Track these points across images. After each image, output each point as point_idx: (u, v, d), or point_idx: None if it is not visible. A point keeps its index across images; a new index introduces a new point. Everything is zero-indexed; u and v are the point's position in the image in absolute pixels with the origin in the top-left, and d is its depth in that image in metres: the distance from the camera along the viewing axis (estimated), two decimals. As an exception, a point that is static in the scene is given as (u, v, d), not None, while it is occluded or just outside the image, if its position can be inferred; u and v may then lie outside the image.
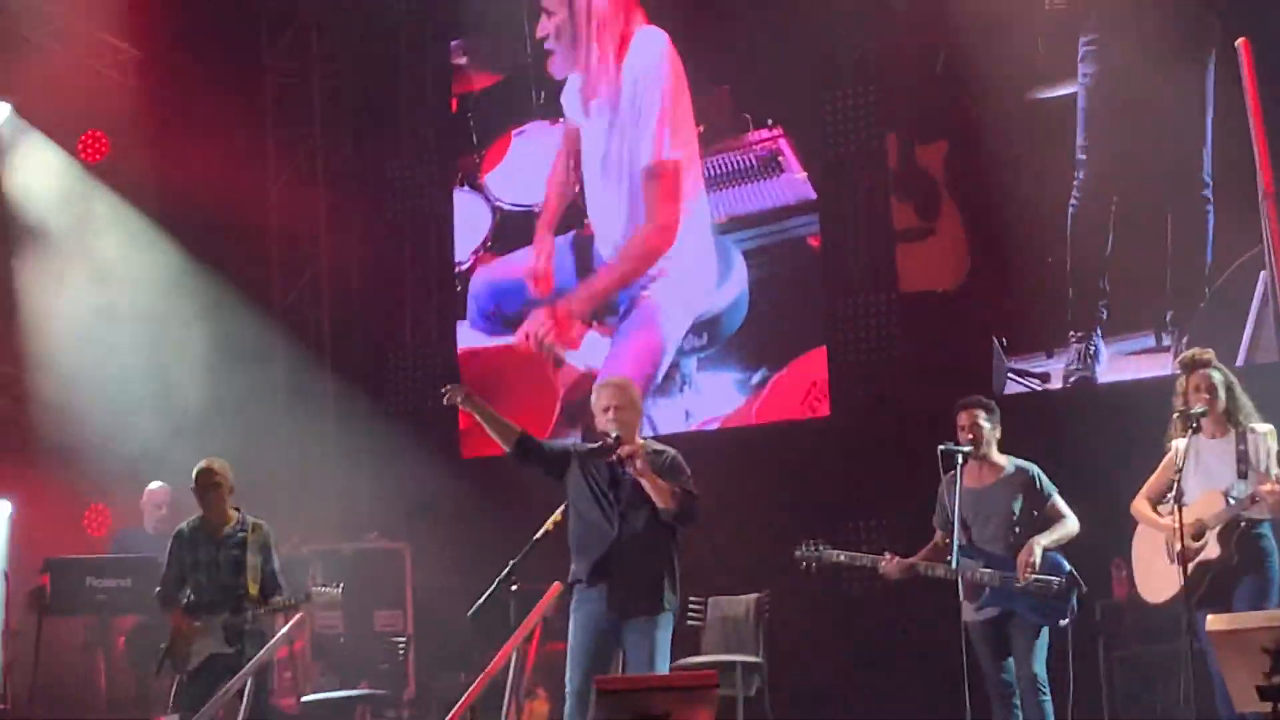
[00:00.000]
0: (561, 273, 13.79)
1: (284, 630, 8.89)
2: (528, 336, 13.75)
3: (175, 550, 9.77)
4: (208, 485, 9.67)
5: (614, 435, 8.35)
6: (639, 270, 13.37)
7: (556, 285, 13.77)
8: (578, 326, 13.60)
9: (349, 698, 11.62)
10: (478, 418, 8.49)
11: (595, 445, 8.46)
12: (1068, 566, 8.66)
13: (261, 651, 8.68)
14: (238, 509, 9.77)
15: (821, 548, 9.09)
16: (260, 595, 9.52)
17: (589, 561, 8.37)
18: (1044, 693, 8.60)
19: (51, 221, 13.68)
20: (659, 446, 8.63)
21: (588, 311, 13.57)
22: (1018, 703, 8.63)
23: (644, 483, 8.27)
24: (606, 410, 8.47)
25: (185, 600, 9.66)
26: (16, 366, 13.80)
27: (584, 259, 13.71)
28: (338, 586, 9.59)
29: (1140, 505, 8.50)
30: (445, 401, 8.43)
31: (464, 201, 14.38)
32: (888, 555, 8.96)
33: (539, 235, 13.90)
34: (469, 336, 14.19)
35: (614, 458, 8.33)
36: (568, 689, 8.48)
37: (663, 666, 8.34)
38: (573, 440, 8.68)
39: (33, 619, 12.18)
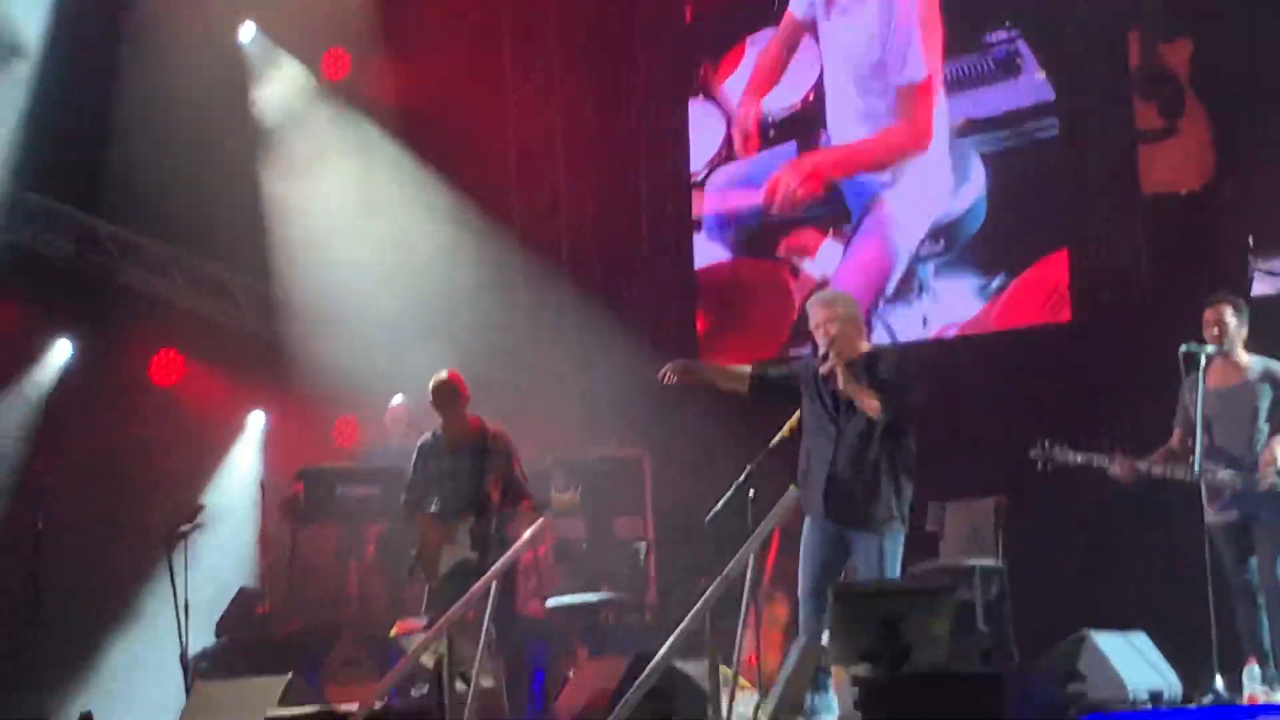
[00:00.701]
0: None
1: (527, 535, 9.05)
2: (774, 191, 13.71)
3: (420, 460, 10.01)
4: (446, 396, 9.87)
5: (821, 353, 8.44)
6: (887, 161, 13.21)
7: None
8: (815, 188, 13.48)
9: (591, 602, 11.80)
10: (705, 380, 8.66)
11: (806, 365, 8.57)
12: (1315, 467, 8.50)
13: (505, 556, 8.86)
14: (479, 418, 9.96)
15: (1057, 448, 9.02)
16: (503, 502, 9.71)
17: (815, 472, 8.45)
18: (1290, 594, 8.48)
19: (298, 139, 13.98)
20: (877, 348, 8.72)
21: (834, 176, 13.43)
22: (1261, 602, 8.50)
23: (850, 394, 8.34)
24: (816, 328, 8.57)
25: (432, 509, 9.90)
26: (266, 281, 14.18)
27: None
28: (576, 490, 9.74)
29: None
30: (664, 382, 8.58)
31: (699, 111, 14.39)
32: (1119, 456, 8.87)
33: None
34: (706, 249, 14.24)
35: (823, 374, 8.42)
36: (800, 593, 8.57)
37: (892, 573, 8.37)
38: (803, 359, 8.76)
39: (287, 527, 12.60)
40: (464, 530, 9.68)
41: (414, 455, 10.10)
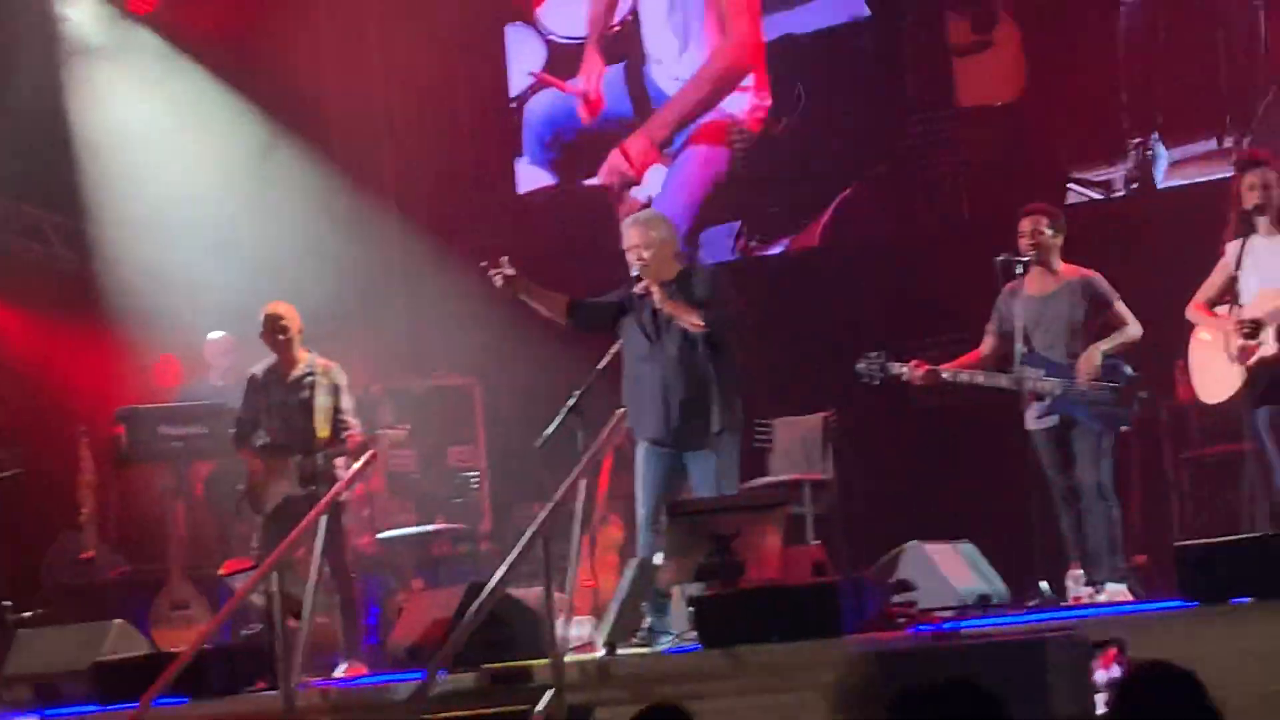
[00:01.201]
0: (618, 104, 13.68)
1: (354, 468, 8.99)
2: (612, 171, 13.66)
3: (249, 393, 9.87)
4: (275, 329, 9.74)
5: (634, 274, 8.53)
6: (721, 92, 13.21)
7: (607, 111, 13.66)
8: (654, 159, 13.47)
9: (425, 533, 11.77)
10: (527, 295, 8.67)
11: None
12: (1130, 371, 8.65)
13: (331, 490, 8.79)
14: (309, 352, 9.85)
15: (884, 361, 9.10)
16: (331, 437, 9.62)
17: (642, 395, 8.49)
18: (1109, 498, 8.62)
19: (105, 71, 13.66)
20: (690, 268, 8.82)
21: (668, 138, 13.43)
22: (1083, 508, 8.66)
23: (671, 312, 8.43)
24: (630, 250, 8.64)
25: (260, 443, 9.78)
26: (80, 219, 13.88)
27: (637, 88, 13.60)
28: (405, 427, 9.68)
29: (1195, 308, 8.47)
30: (490, 275, 8.57)
31: (516, 37, 14.27)
32: (914, 362, 8.98)
33: (587, 55, 13.78)
34: (529, 173, 14.16)
35: (640, 295, 8.47)
36: (638, 519, 8.62)
37: (729, 489, 8.44)
38: (624, 298, 8.77)
39: (109, 470, 12.39)
40: (292, 465, 9.56)
41: (244, 388, 9.96)
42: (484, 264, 8.74)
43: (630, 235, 8.70)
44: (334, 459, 9.50)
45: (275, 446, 9.67)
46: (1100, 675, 6.12)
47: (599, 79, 13.69)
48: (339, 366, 9.82)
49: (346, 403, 9.71)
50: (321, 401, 9.61)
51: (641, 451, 8.60)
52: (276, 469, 9.63)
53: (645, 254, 8.57)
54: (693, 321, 8.40)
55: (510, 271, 8.64)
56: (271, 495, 9.62)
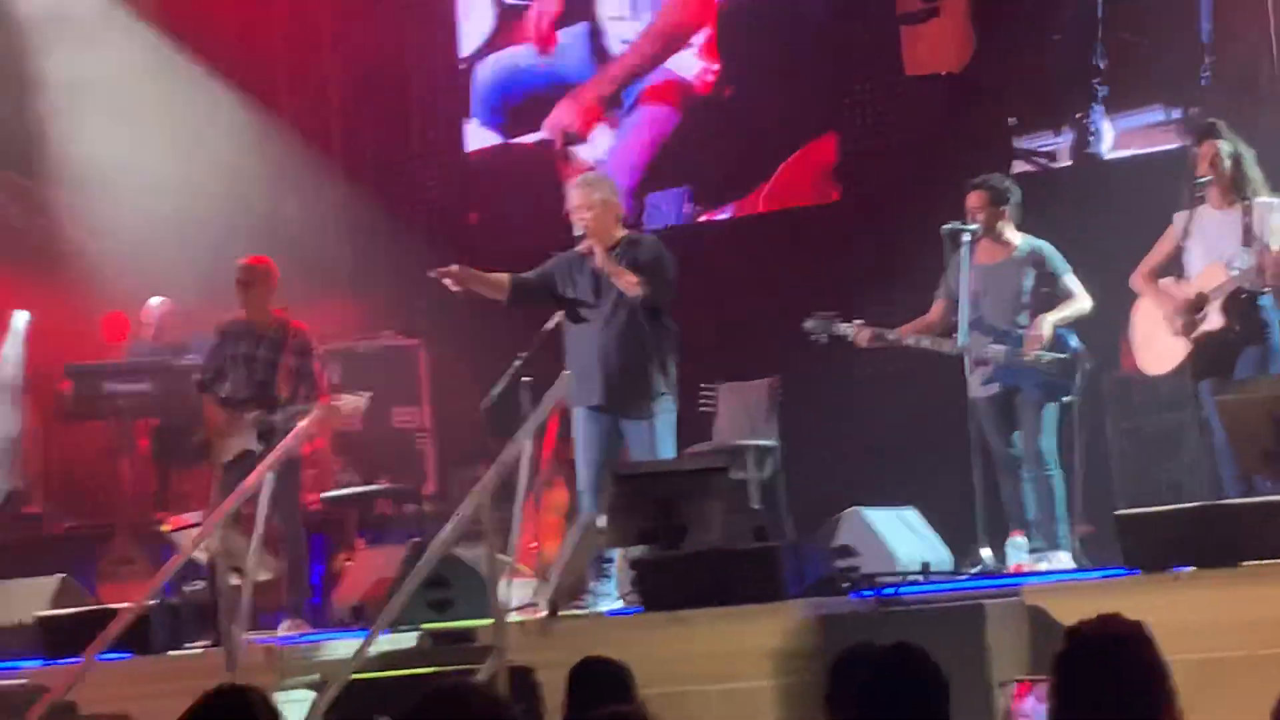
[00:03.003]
0: (577, 68, 13.65)
1: (300, 426, 8.97)
2: (554, 128, 13.64)
3: (217, 343, 9.84)
4: (245, 282, 9.70)
5: (577, 234, 8.61)
6: (669, 50, 13.20)
7: (564, 74, 13.64)
8: (597, 118, 13.46)
9: (369, 493, 11.78)
10: (473, 287, 8.71)
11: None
12: (1075, 343, 8.70)
13: (278, 447, 8.77)
14: (284, 311, 9.82)
15: (832, 320, 9.15)
16: (291, 397, 9.59)
17: (581, 360, 8.53)
18: (1052, 467, 8.68)
19: (58, 28, 13.55)
20: (637, 236, 8.92)
21: (613, 94, 13.42)
22: (1025, 475, 8.72)
23: (608, 275, 8.51)
24: (575, 210, 8.75)
25: (222, 393, 9.75)
26: (29, 176, 13.79)
27: (597, 50, 13.58)
28: (366, 394, 9.65)
29: (1141, 278, 8.53)
30: (439, 279, 8.65)
31: (466, -3, 14.23)
32: (857, 323, 9.04)
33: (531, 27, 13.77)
34: (479, 135, 14.13)
35: (581, 255, 8.52)
36: (580, 485, 8.67)
37: (666, 454, 8.49)
38: (560, 264, 8.82)
39: (55, 425, 12.35)
40: (250, 420, 9.54)
41: (214, 336, 9.92)
42: (432, 272, 8.75)
43: (574, 196, 8.80)
44: (294, 417, 9.46)
45: (236, 400, 9.65)
46: (1020, 706, 6.20)
47: (551, 22, 13.62)
48: (306, 329, 9.79)
49: (313, 365, 9.68)
50: (286, 361, 9.59)
51: (580, 415, 8.65)
52: (235, 422, 9.61)
53: (588, 215, 8.65)
54: (630, 283, 8.45)
55: (454, 271, 8.65)
56: (229, 448, 9.59)
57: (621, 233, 8.78)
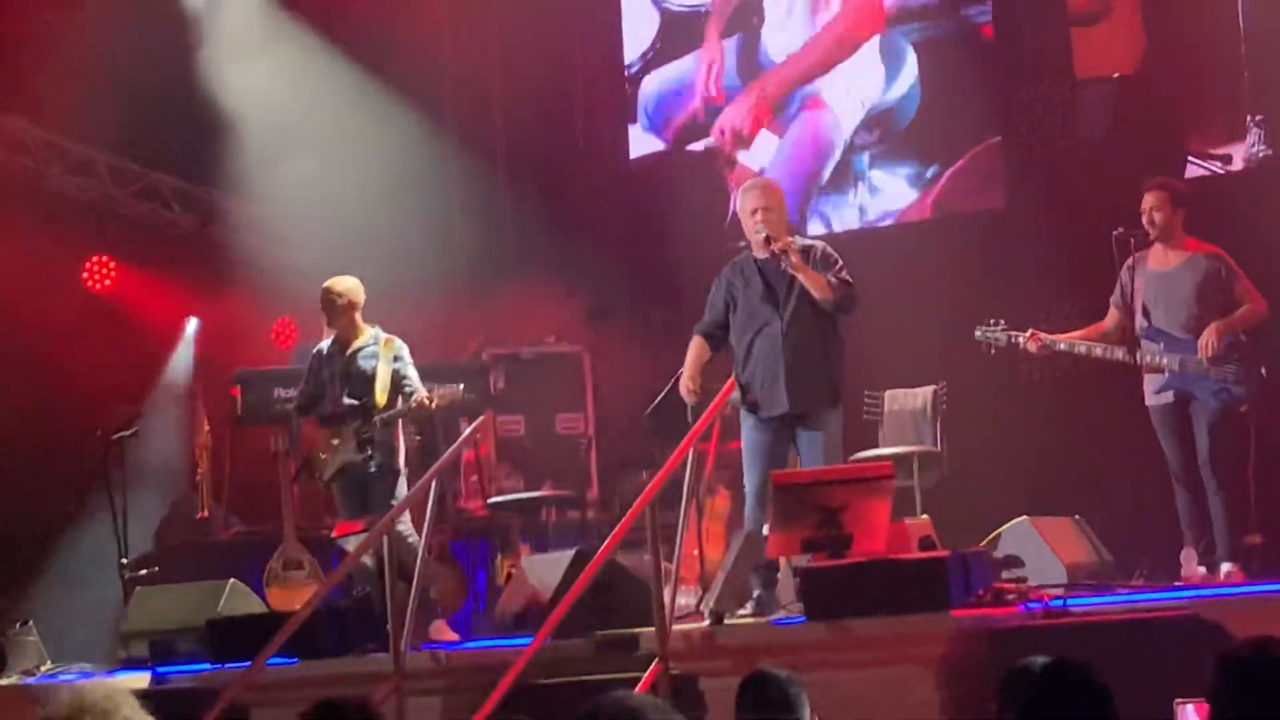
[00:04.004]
0: (729, 78, 13.66)
1: (465, 434, 9.06)
2: (723, 131, 13.65)
3: (313, 365, 9.99)
4: (327, 304, 9.84)
5: (764, 235, 8.42)
6: (836, 57, 13.15)
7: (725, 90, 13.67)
8: (766, 117, 13.43)
9: (533, 499, 11.83)
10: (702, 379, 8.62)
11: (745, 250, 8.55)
12: (1250, 348, 8.55)
13: (445, 454, 8.85)
14: (371, 326, 9.93)
15: (1002, 329, 9.07)
16: (389, 405, 9.67)
17: (764, 366, 8.44)
18: (1225, 476, 8.53)
19: (232, 43, 13.75)
20: (807, 241, 8.73)
21: (782, 95, 13.39)
22: (1201, 486, 8.57)
23: (799, 277, 8.33)
24: (754, 213, 8.54)
25: (323, 414, 9.89)
26: (205, 184, 14.03)
27: (749, 60, 13.56)
28: (458, 386, 9.73)
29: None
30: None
31: (632, 5, 14.26)
32: (1030, 332, 8.94)
33: (708, 41, 13.78)
34: (642, 141, 14.17)
35: (769, 254, 8.39)
36: (746, 489, 8.61)
37: (836, 461, 8.42)
38: (724, 282, 8.73)
39: (225, 431, 12.53)
40: (349, 432, 9.66)
41: (310, 360, 10.08)
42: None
43: (754, 198, 8.59)
44: (391, 425, 9.57)
45: (334, 415, 9.76)
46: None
47: (718, 68, 13.65)
48: (400, 340, 9.89)
49: (409, 372, 9.76)
50: (382, 370, 9.68)
51: (749, 423, 8.57)
52: (333, 436, 9.72)
53: (771, 216, 8.51)
54: (821, 284, 8.34)
55: (688, 388, 8.58)
56: (330, 464, 9.71)
57: (790, 237, 8.65)
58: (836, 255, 8.58)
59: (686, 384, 8.58)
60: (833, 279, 8.39)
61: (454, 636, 9.39)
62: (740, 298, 8.60)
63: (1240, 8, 11.37)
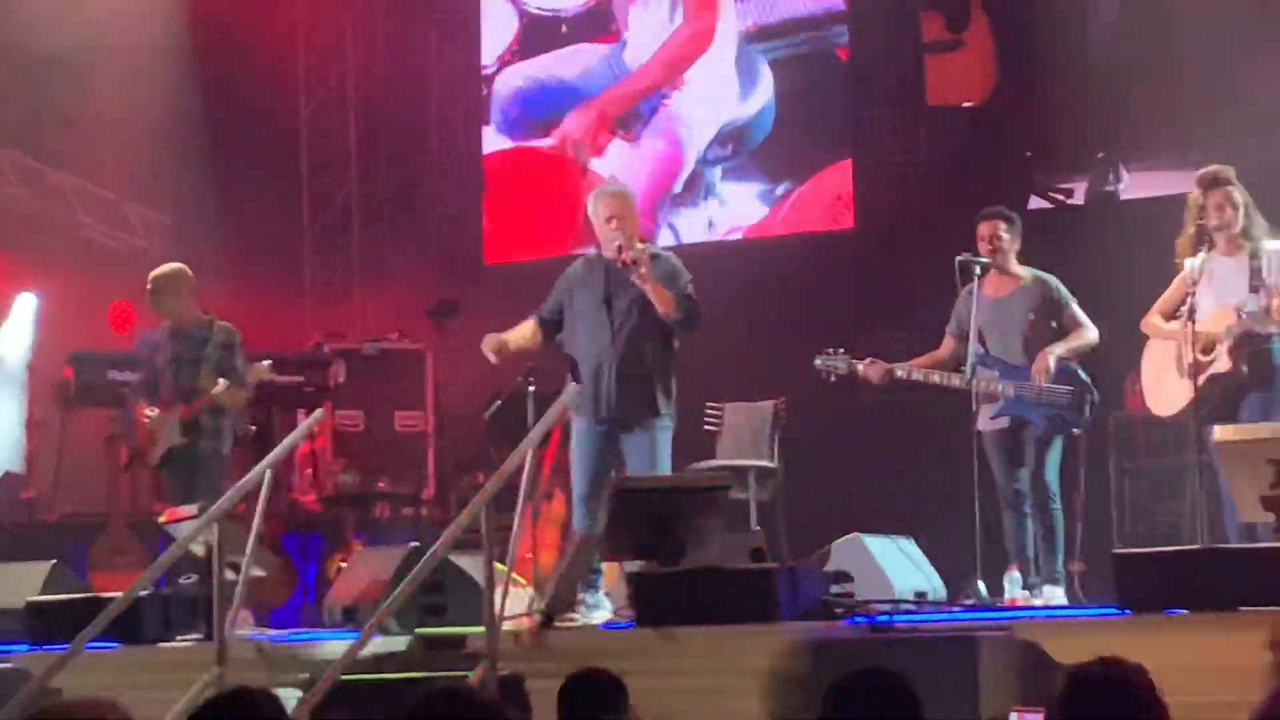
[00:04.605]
0: (591, 79, 13.69)
1: (302, 427, 8.99)
2: (564, 139, 13.67)
3: (149, 351, 9.95)
4: (155, 292, 9.82)
5: (618, 243, 8.42)
6: (672, 76, 13.24)
7: (584, 93, 13.68)
8: (606, 133, 13.50)
9: (368, 495, 11.76)
10: (512, 351, 8.60)
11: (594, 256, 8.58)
12: (1083, 375, 8.71)
13: (278, 448, 8.76)
14: (208, 311, 9.89)
15: (842, 357, 9.16)
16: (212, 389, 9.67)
17: (592, 370, 8.46)
18: (1054, 502, 8.68)
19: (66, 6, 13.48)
20: (656, 250, 8.76)
21: (620, 115, 13.44)
22: (1027, 510, 8.71)
23: (646, 289, 8.35)
24: (609, 220, 8.53)
25: (155, 399, 9.84)
26: (46, 162, 13.79)
27: (603, 69, 13.59)
28: (265, 363, 9.73)
29: (1151, 320, 8.53)
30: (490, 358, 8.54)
31: (491, 6, 14.23)
32: (868, 361, 9.05)
33: (565, 44, 13.79)
34: (495, 142, 14.14)
35: (620, 264, 8.39)
36: (574, 495, 8.63)
37: (664, 470, 8.45)
38: (570, 276, 8.75)
39: (56, 411, 12.34)
40: (174, 418, 9.62)
41: (147, 345, 10.02)
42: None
43: (606, 204, 8.59)
44: (221, 411, 9.57)
45: (165, 401, 9.73)
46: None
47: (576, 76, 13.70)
48: (232, 327, 9.85)
49: (238, 359, 9.74)
50: (209, 356, 9.66)
51: (579, 426, 8.59)
52: (161, 422, 9.69)
53: (625, 224, 8.51)
54: (666, 300, 8.36)
55: (494, 349, 8.57)
56: (156, 449, 9.68)
57: (640, 246, 8.66)
58: (683, 269, 8.62)
59: (489, 343, 8.55)
60: (678, 295, 8.42)
61: None
62: (580, 297, 8.61)
63: (1088, 44, 11.59)
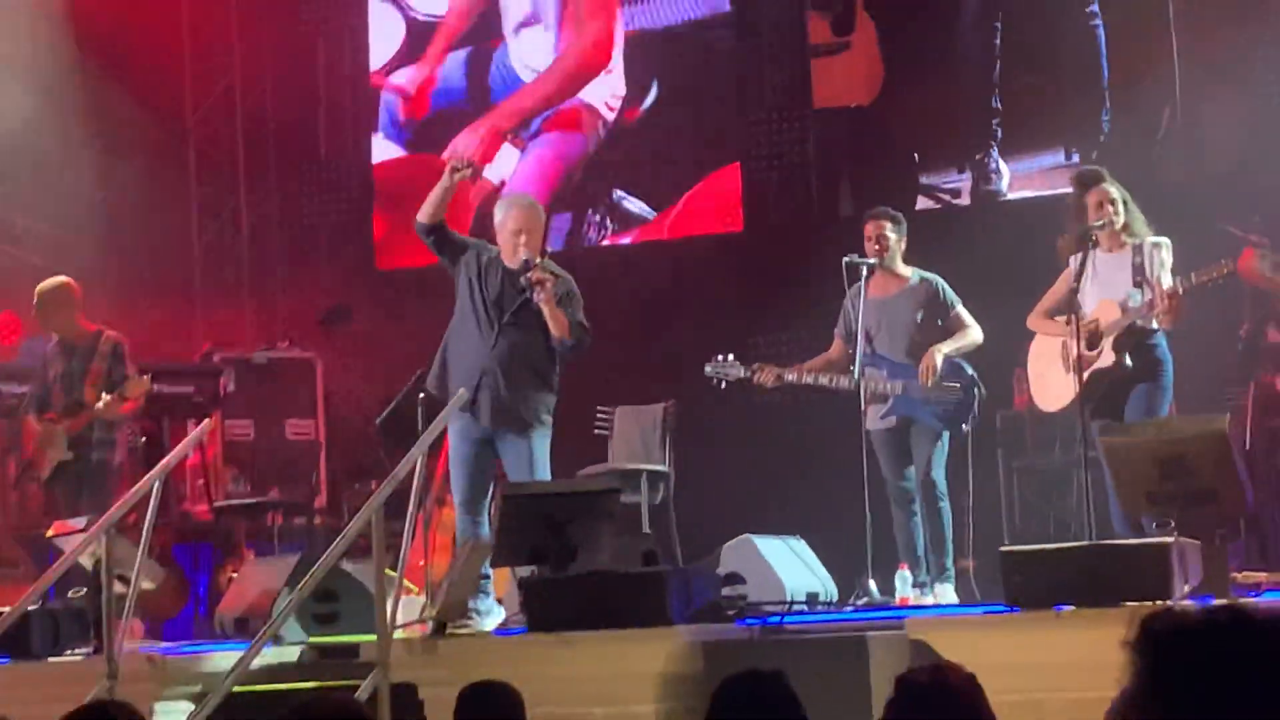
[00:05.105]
0: (454, 88, 13.63)
1: (191, 435, 8.93)
2: (455, 154, 13.60)
3: (40, 364, 9.93)
4: (41, 305, 9.81)
5: (525, 260, 8.39)
6: (569, 90, 13.20)
7: (448, 92, 13.61)
8: (496, 144, 13.45)
9: (260, 504, 11.69)
10: (445, 187, 8.51)
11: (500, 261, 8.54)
12: (970, 371, 8.81)
13: (167, 458, 8.71)
14: (97, 325, 9.84)
15: (731, 364, 9.22)
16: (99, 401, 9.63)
17: (464, 371, 8.44)
18: (943, 500, 8.78)
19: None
20: (557, 270, 8.67)
21: (513, 128, 13.41)
22: (917, 509, 8.79)
23: (545, 311, 8.34)
24: (518, 234, 8.47)
25: (44, 413, 9.80)
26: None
27: (479, 77, 13.54)
28: (145, 377, 9.71)
29: (1037, 317, 8.64)
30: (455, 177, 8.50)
31: (378, 11, 14.17)
32: (756, 366, 9.11)
33: (433, 44, 13.73)
34: (383, 148, 14.07)
35: (523, 281, 8.37)
36: (455, 500, 8.61)
37: (543, 475, 8.44)
38: (482, 242, 8.72)
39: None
40: (61, 431, 9.59)
41: (39, 358, 9.99)
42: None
43: (514, 217, 8.54)
44: (109, 424, 9.54)
45: (53, 415, 9.70)
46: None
47: (429, 79, 13.63)
48: (119, 338, 9.82)
49: (125, 371, 9.70)
50: (96, 368, 9.63)
51: (455, 429, 8.54)
52: (49, 436, 9.66)
53: (533, 239, 8.48)
54: (563, 326, 8.33)
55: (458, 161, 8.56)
56: (45, 463, 9.66)
57: (543, 263, 8.54)
58: (579, 294, 8.60)
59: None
60: (574, 323, 8.41)
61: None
62: (474, 288, 8.54)
63: (961, 51, 11.71)
